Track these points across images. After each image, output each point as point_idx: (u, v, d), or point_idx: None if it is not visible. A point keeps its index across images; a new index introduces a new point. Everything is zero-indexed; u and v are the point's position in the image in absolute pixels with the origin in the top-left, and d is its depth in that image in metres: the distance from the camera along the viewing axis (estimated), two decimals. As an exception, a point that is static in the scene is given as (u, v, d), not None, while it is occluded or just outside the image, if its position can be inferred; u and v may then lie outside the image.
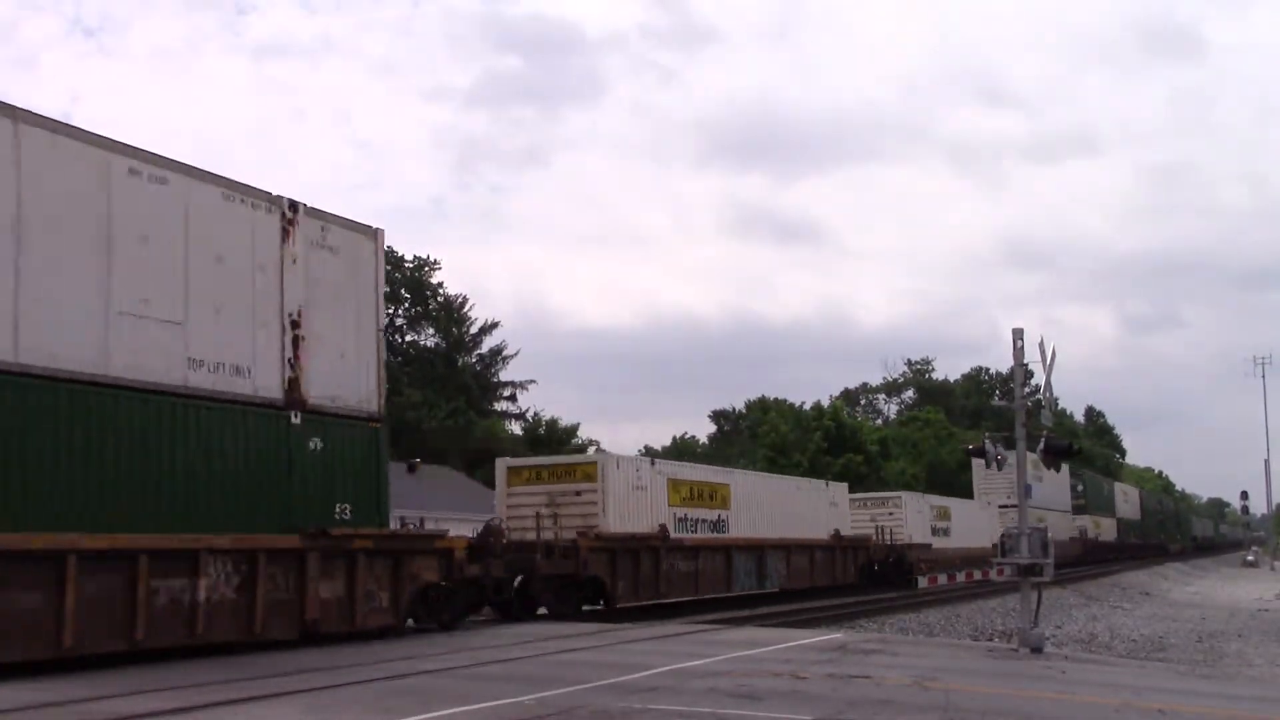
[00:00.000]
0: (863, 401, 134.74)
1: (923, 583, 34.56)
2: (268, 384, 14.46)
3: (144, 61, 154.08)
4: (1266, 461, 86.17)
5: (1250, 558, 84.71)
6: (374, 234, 16.46)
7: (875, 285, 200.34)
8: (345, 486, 15.42)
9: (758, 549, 27.69)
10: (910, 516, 36.20)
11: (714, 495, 26.02)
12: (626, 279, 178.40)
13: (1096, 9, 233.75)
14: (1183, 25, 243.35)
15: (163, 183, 13.37)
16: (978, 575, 36.50)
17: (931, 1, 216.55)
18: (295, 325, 14.87)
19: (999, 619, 28.56)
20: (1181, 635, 28.26)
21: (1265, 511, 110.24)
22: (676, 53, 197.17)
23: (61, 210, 12.28)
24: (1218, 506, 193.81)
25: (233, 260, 14.16)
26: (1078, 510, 57.50)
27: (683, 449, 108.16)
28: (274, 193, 14.89)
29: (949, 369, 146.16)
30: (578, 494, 21.80)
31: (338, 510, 15.20)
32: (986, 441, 17.50)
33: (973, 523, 42.11)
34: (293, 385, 14.77)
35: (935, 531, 38.23)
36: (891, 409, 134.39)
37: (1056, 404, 17.68)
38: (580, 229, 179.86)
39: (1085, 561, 53.64)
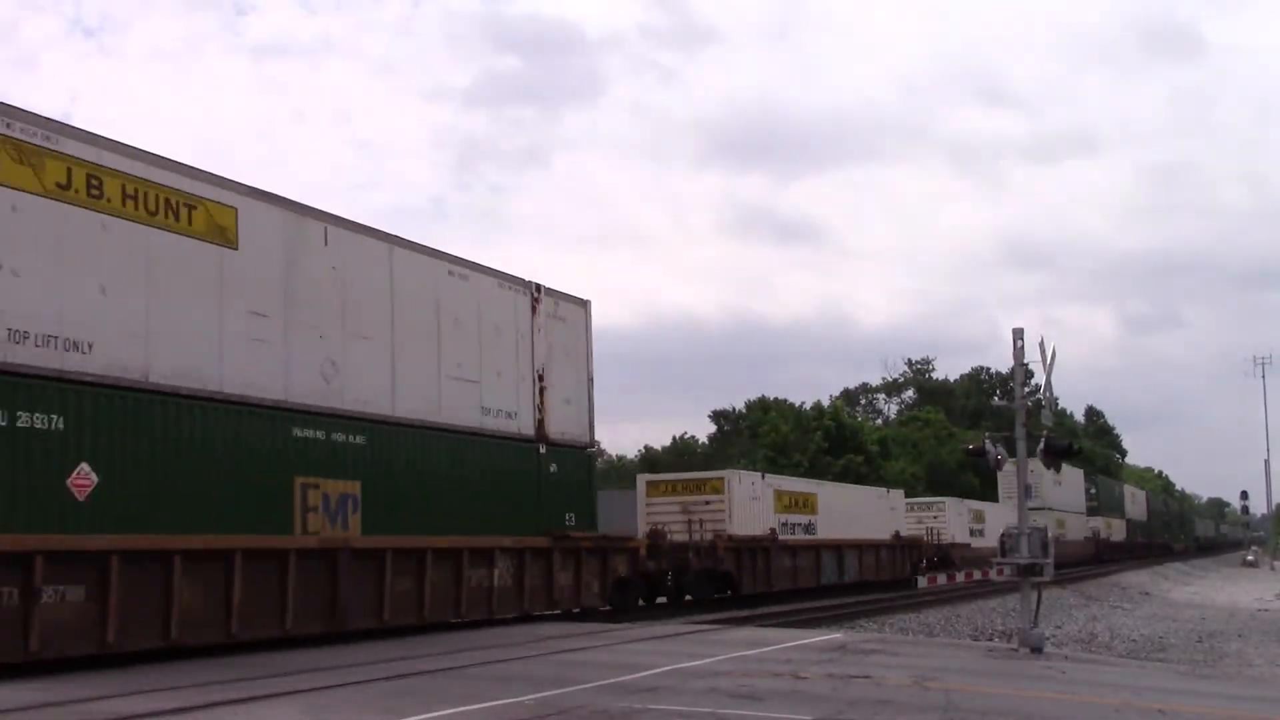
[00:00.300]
0: (863, 401, 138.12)
1: (922, 583, 37.01)
2: (525, 424, 20.43)
3: (144, 61, 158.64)
4: (1266, 461, 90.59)
5: (1250, 558, 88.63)
6: (586, 305, 22.47)
7: (875, 285, 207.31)
8: (571, 499, 21.42)
9: (838, 548, 34.21)
10: (952, 519, 42.82)
11: (806, 503, 32.40)
12: (626, 279, 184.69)
13: (1096, 9, 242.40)
14: (1182, 25, 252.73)
15: (465, 279, 19.29)
16: (977, 575, 39.24)
17: (931, 1, 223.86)
18: (540, 379, 20.83)
19: (999, 619, 30.31)
20: (1181, 635, 29.67)
21: (1265, 511, 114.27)
22: (676, 53, 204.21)
23: (414, 306, 18.17)
24: (1218, 506, 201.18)
25: (504, 333, 20.10)
26: (1091, 512, 64.58)
27: (682, 449, 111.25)
28: (526, 279, 20.81)
29: (949, 369, 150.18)
30: (707, 504, 28.03)
31: (567, 518, 21.16)
32: (986, 441, 18.23)
33: (1002, 524, 48.10)
34: (540, 425, 20.74)
35: (972, 532, 44.88)
36: (891, 409, 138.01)
37: (1056, 404, 18.01)
38: (580, 229, 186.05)
39: (1099, 560, 60.67)
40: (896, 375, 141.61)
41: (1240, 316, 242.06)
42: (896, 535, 38.40)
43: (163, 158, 14.61)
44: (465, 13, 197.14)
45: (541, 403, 20.77)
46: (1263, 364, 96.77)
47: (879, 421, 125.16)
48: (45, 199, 13.10)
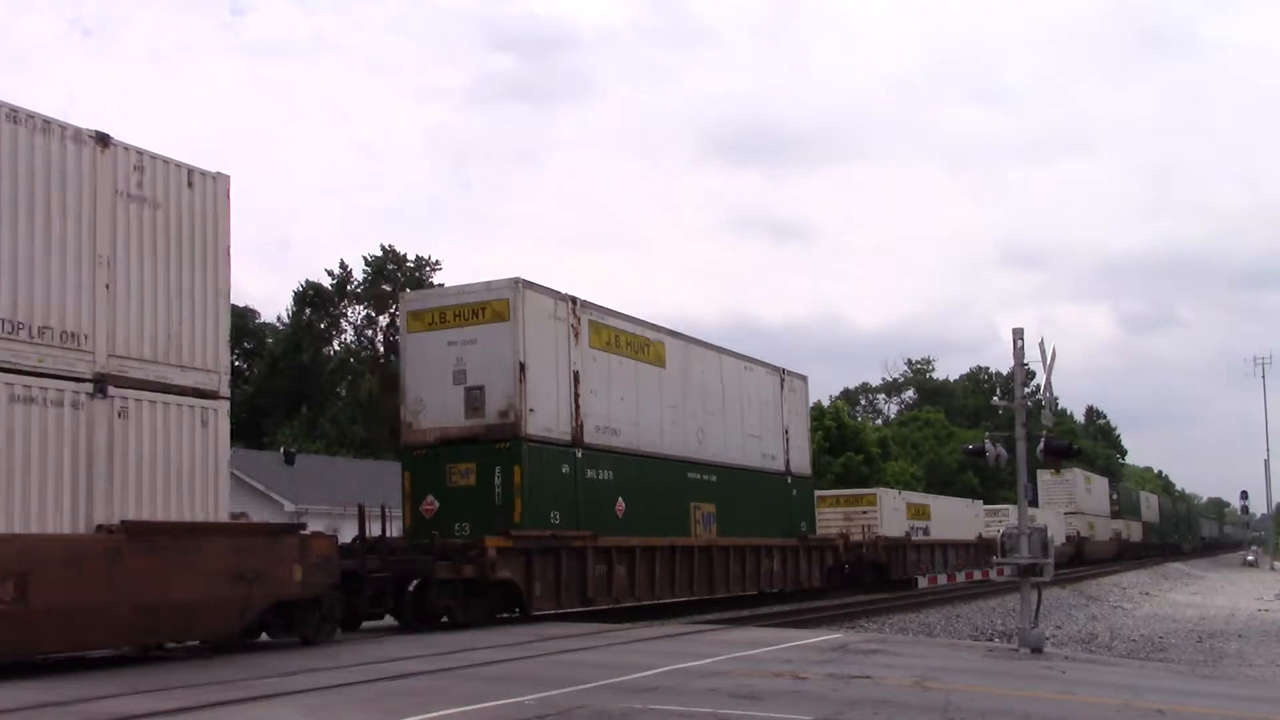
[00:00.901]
0: (863, 401, 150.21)
1: (923, 583, 41.09)
2: (779, 463, 34.38)
3: (141, 61, 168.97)
4: (1266, 461, 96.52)
5: (1250, 558, 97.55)
6: (805, 379, 36.52)
7: (874, 285, 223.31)
8: (802, 512, 35.35)
9: (945, 546, 49.18)
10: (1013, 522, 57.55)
11: (924, 512, 47.10)
12: (624, 278, 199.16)
13: (1092, 8, 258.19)
14: (1178, 24, 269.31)
15: (750, 370, 33.16)
16: (978, 575, 42.05)
17: (926, 1, 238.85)
18: (786, 432, 34.73)
19: (999, 619, 33.25)
20: (1181, 635, 31.82)
21: (1265, 511, 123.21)
22: (671, 52, 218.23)
23: (730, 391, 31.99)
24: (1218, 506, 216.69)
25: (769, 403, 34.05)
26: (1114, 515, 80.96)
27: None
28: (777, 365, 34.70)
29: (949, 369, 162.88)
30: (864, 513, 42.54)
31: (802, 525, 35.07)
32: (986, 441, 19.78)
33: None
34: (787, 463, 34.68)
35: (1026, 534, 59.94)
36: (891, 409, 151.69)
37: (1057, 404, 19.25)
38: (577, 228, 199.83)
39: (1121, 557, 76.71)
40: (896, 375, 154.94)
41: (1239, 316, 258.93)
42: (979, 536, 53.24)
43: (636, 319, 28.27)
44: (462, 12, 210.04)
45: (787, 448, 34.70)
46: (1263, 364, 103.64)
47: (879, 421, 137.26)
48: (602, 351, 26.71)
